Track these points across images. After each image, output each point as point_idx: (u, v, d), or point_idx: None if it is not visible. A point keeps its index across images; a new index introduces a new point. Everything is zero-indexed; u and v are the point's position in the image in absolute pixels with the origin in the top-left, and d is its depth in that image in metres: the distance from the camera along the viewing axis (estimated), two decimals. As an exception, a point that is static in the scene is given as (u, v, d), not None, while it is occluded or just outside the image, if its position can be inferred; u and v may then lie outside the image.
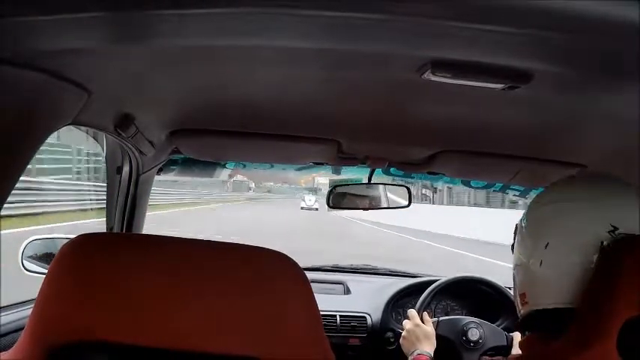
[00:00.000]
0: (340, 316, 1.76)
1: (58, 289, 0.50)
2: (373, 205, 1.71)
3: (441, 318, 1.59)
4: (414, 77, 0.62)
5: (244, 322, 0.49)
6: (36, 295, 0.50)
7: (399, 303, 1.81)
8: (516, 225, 0.76)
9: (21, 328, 0.52)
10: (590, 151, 1.06)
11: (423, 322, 1.49)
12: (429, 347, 1.40)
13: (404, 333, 1.46)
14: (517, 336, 1.50)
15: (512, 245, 0.78)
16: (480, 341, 1.55)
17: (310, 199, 37.17)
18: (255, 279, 0.50)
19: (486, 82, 0.61)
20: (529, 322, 0.72)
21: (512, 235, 0.78)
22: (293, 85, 0.81)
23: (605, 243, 0.63)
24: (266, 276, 0.51)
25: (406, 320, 1.50)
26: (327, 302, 1.81)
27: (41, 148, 0.62)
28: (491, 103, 0.80)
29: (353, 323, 1.76)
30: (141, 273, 0.49)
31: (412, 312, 1.51)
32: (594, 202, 0.66)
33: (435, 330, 1.49)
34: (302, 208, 34.56)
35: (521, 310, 0.73)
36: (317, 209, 33.97)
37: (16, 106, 0.53)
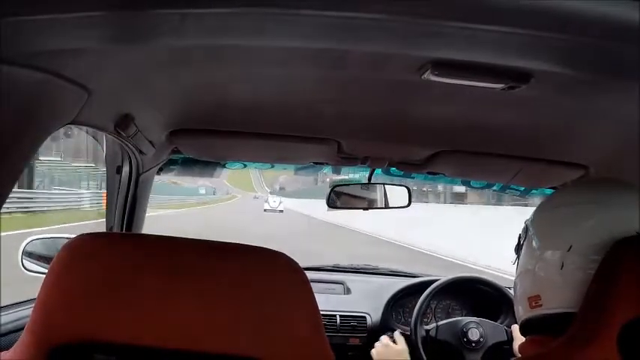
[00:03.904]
0: (340, 316, 1.76)
1: (58, 289, 0.50)
2: (372, 205, 1.71)
3: (439, 323, 1.59)
4: (414, 77, 0.62)
5: (244, 322, 0.49)
6: (36, 295, 0.51)
7: (399, 303, 1.82)
8: (524, 228, 0.76)
9: (21, 328, 0.52)
10: (590, 151, 1.06)
11: (394, 342, 1.50)
12: None
13: (373, 353, 1.48)
14: (515, 328, 1.51)
15: (516, 247, 0.78)
16: (481, 340, 1.56)
17: (275, 201, 36.91)
18: (255, 279, 0.50)
19: (486, 82, 0.61)
20: (533, 325, 0.71)
21: (517, 238, 0.78)
22: (293, 85, 0.81)
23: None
24: (266, 275, 0.51)
25: (376, 343, 1.52)
26: (327, 302, 1.81)
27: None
28: (491, 103, 0.80)
29: (353, 323, 1.76)
30: (141, 273, 0.49)
31: (382, 337, 1.53)
32: (617, 204, 0.66)
33: (435, 335, 1.50)
34: (265, 210, 33.92)
35: (524, 315, 0.72)
36: (282, 211, 33.42)
37: (16, 106, 0.53)
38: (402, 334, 1.58)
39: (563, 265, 0.66)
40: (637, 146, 0.86)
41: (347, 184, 1.77)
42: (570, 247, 0.66)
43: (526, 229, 0.75)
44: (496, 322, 1.64)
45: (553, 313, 0.67)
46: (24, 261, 1.27)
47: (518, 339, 1.41)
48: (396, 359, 1.43)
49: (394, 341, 1.51)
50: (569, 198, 0.71)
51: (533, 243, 0.72)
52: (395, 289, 1.82)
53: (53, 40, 0.47)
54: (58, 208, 15.37)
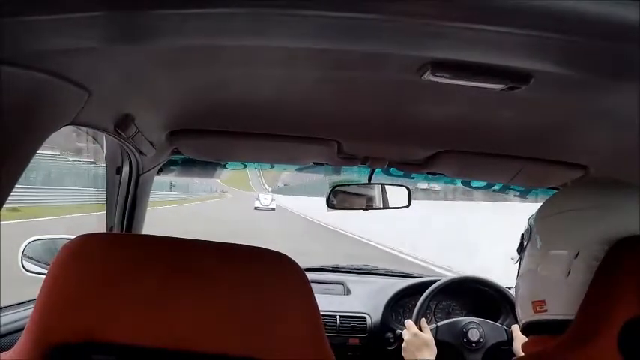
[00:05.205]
0: (340, 316, 1.76)
1: (58, 290, 0.50)
2: (372, 206, 1.72)
3: (439, 323, 1.60)
4: (413, 78, 0.62)
5: (244, 322, 0.49)
6: (36, 296, 0.51)
7: (399, 303, 1.82)
8: (527, 228, 0.75)
9: (21, 329, 0.52)
10: (590, 151, 1.06)
11: (421, 330, 1.50)
12: (429, 355, 1.42)
13: (403, 344, 1.48)
14: (516, 327, 1.51)
15: (519, 248, 0.77)
16: (481, 340, 1.56)
17: (266, 198, 34.97)
18: (255, 279, 0.50)
19: (486, 82, 0.61)
20: (537, 327, 0.71)
21: (520, 238, 0.77)
22: (293, 85, 0.81)
23: None
24: (266, 276, 0.51)
25: (405, 331, 1.51)
26: (327, 302, 1.81)
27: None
28: (491, 103, 0.80)
29: (353, 323, 1.76)
30: (140, 273, 0.49)
31: (408, 322, 1.53)
32: (622, 208, 0.65)
33: (435, 336, 1.50)
34: (256, 208, 32.19)
35: (527, 318, 0.72)
36: (274, 209, 31.90)
37: (16, 106, 0.53)
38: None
39: (569, 272, 0.66)
40: (637, 146, 0.86)
41: (347, 184, 1.77)
42: (577, 254, 0.65)
43: (529, 231, 0.74)
44: (496, 322, 1.64)
45: (558, 319, 0.67)
46: (24, 262, 1.27)
47: (519, 338, 1.41)
48: (424, 349, 1.43)
49: (420, 328, 1.51)
50: (574, 202, 0.70)
51: (538, 246, 0.71)
52: (395, 290, 1.82)
53: (53, 40, 0.47)
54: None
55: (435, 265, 8.98)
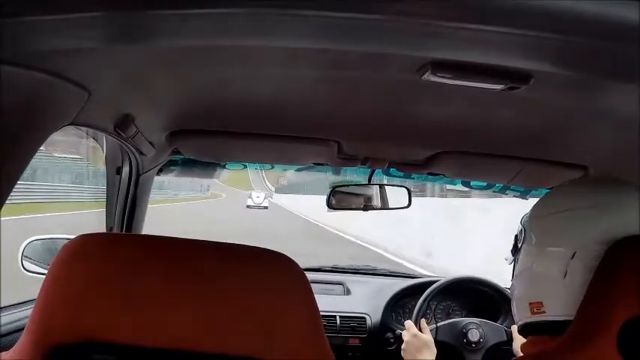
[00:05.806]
0: (340, 316, 1.76)
1: (57, 290, 0.50)
2: (372, 206, 1.72)
3: (439, 324, 1.59)
4: (413, 78, 0.62)
5: (244, 322, 0.49)
6: (36, 296, 0.51)
7: (399, 303, 1.82)
8: (521, 229, 0.75)
9: (21, 329, 0.52)
10: (591, 151, 1.06)
11: (420, 331, 1.50)
12: (429, 356, 1.42)
13: (403, 345, 1.48)
14: (515, 328, 1.51)
15: (513, 249, 0.77)
16: (481, 340, 1.56)
17: (259, 197, 34.50)
18: (255, 279, 0.50)
19: (486, 82, 0.61)
20: (535, 328, 0.70)
21: (514, 240, 0.77)
22: (293, 86, 0.81)
23: None
24: (266, 276, 0.51)
25: (404, 332, 1.51)
26: (327, 303, 1.81)
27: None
28: (491, 103, 0.80)
29: (353, 324, 1.76)
30: (140, 273, 0.49)
31: (408, 323, 1.52)
32: (618, 207, 0.65)
33: (435, 337, 1.50)
34: (248, 206, 31.80)
35: (524, 319, 0.71)
36: (266, 207, 31.59)
37: (16, 106, 0.53)
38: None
39: (566, 273, 0.65)
40: (637, 146, 0.86)
41: (347, 184, 1.78)
42: (574, 255, 0.65)
43: (523, 231, 0.74)
44: (496, 322, 1.64)
45: (556, 321, 0.67)
46: (24, 262, 1.27)
47: (518, 339, 1.41)
48: (424, 350, 1.43)
49: (420, 329, 1.51)
50: (569, 201, 0.69)
51: (533, 247, 0.70)
52: (395, 290, 1.82)
53: (53, 40, 0.47)
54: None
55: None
